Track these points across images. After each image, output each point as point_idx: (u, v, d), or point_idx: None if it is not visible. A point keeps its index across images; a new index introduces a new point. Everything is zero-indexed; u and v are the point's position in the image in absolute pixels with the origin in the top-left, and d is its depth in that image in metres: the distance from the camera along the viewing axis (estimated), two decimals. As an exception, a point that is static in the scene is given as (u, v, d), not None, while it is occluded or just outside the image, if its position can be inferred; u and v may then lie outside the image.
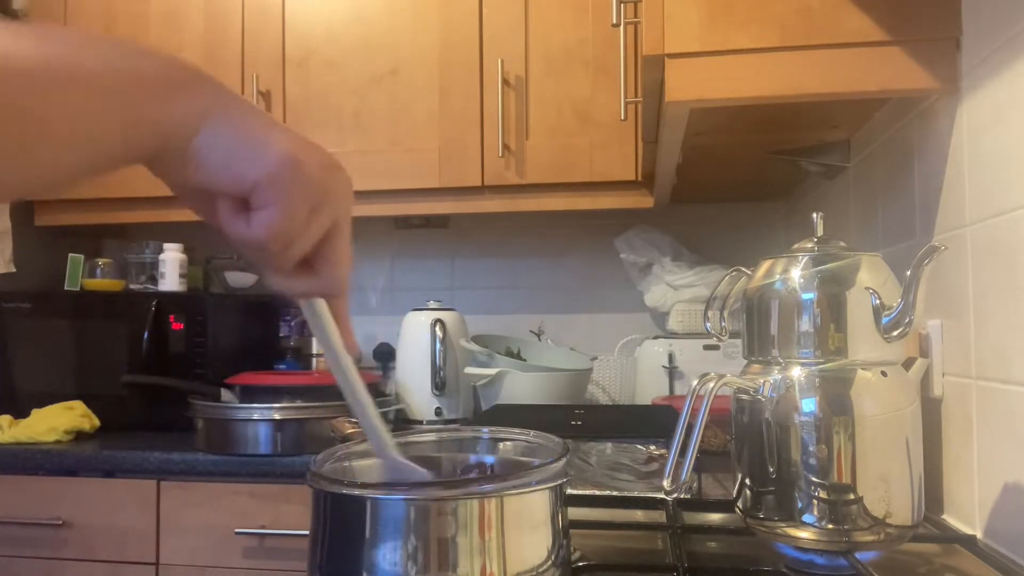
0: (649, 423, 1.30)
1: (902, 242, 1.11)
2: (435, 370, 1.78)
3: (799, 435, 0.71)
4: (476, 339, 1.84)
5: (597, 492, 1.02)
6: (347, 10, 1.87)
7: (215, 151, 0.43)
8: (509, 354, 1.84)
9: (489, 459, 0.74)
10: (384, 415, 1.76)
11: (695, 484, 1.01)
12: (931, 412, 0.96)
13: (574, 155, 1.78)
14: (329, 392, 1.57)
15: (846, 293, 0.72)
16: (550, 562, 0.61)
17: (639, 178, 1.76)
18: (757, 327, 0.76)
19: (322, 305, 0.53)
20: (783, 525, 0.72)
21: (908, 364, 0.75)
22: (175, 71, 0.43)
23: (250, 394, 1.64)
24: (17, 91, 0.37)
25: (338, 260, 0.49)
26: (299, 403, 1.55)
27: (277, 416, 1.53)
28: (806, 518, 0.71)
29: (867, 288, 0.71)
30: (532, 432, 0.73)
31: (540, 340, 2.00)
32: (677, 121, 1.10)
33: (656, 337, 1.85)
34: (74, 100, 0.39)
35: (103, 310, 1.83)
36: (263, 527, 1.49)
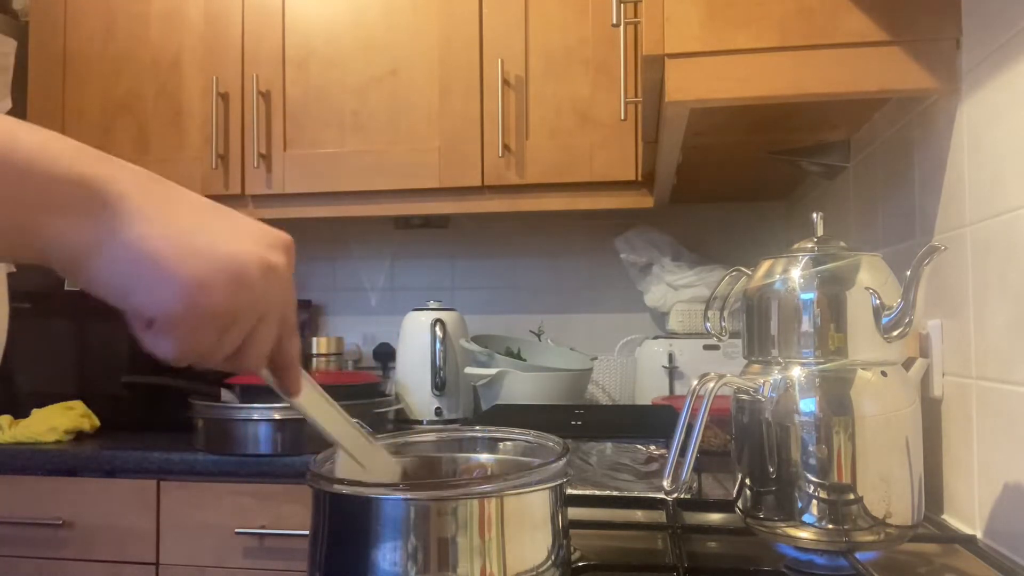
0: (649, 423, 1.30)
1: (902, 242, 1.11)
2: (435, 370, 1.78)
3: (799, 435, 0.71)
4: (476, 339, 1.84)
5: (597, 492, 1.02)
6: (347, 10, 1.87)
7: (113, 280, 0.42)
8: (509, 354, 1.84)
9: (489, 459, 0.74)
10: (384, 415, 1.76)
11: (695, 484, 1.01)
12: (931, 412, 0.96)
13: (574, 155, 1.78)
14: (329, 392, 1.56)
15: (846, 293, 0.72)
16: (550, 562, 0.61)
17: (639, 178, 1.76)
18: (757, 327, 0.76)
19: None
20: (783, 525, 0.72)
21: (908, 364, 0.75)
22: (92, 184, 0.41)
23: (250, 394, 1.64)
24: None
25: (249, 356, 0.48)
26: (299, 403, 1.55)
27: (277, 416, 1.53)
28: (806, 518, 0.71)
29: (867, 288, 0.71)
30: (532, 432, 0.73)
31: (540, 340, 2.00)
32: (677, 121, 1.10)
33: (656, 337, 1.85)
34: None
35: (103, 310, 1.81)
36: (263, 527, 1.49)
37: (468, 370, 1.77)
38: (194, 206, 0.45)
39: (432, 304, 1.88)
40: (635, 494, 1.01)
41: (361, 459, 0.62)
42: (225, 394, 1.66)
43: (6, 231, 0.40)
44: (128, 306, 0.43)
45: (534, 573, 0.59)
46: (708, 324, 1.00)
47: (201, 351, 0.44)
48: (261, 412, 1.53)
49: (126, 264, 0.41)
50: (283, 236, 0.48)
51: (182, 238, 0.42)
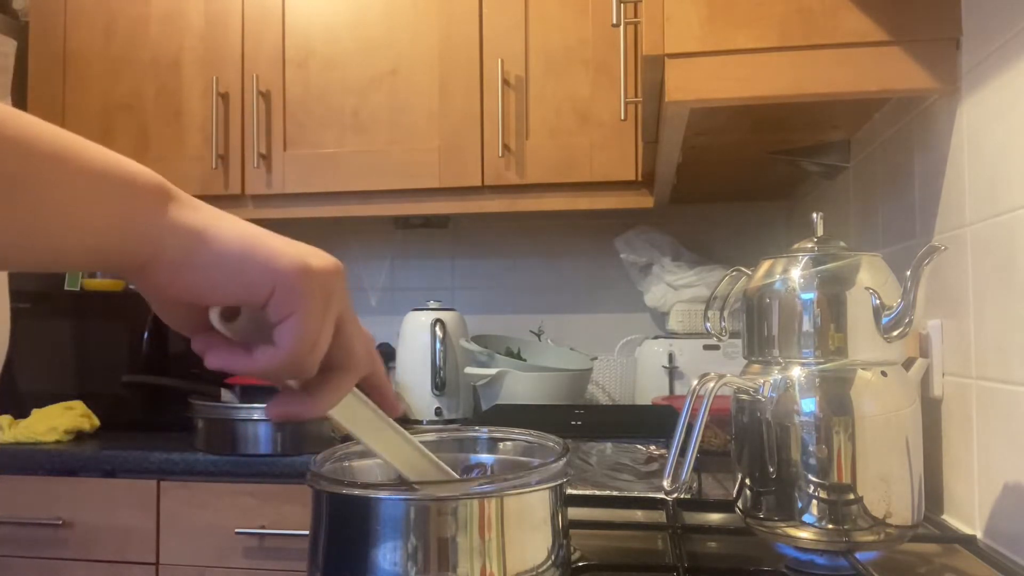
0: (649, 423, 1.30)
1: (902, 242, 1.11)
2: (435, 370, 1.78)
3: (799, 435, 0.71)
4: (476, 339, 1.84)
5: (597, 492, 1.02)
6: (347, 10, 1.87)
7: (224, 263, 0.43)
8: (509, 354, 1.84)
9: (489, 459, 0.74)
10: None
11: (695, 484, 1.01)
12: (931, 412, 0.96)
13: (574, 155, 1.78)
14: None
15: (846, 293, 0.72)
16: (550, 562, 0.61)
17: (639, 178, 1.76)
18: (757, 327, 0.76)
19: (354, 394, 0.53)
20: (783, 525, 0.72)
21: (908, 364, 0.75)
22: (165, 184, 0.44)
23: (250, 394, 1.64)
24: (23, 163, 0.38)
25: (354, 344, 0.49)
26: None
27: (277, 416, 1.52)
28: (806, 518, 0.71)
29: (867, 288, 0.71)
30: (532, 432, 0.73)
31: (540, 340, 2.00)
32: (677, 121, 1.10)
33: (656, 337, 1.85)
34: (77, 184, 0.40)
35: (103, 310, 1.83)
36: (263, 527, 1.49)
37: (468, 370, 1.77)
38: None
39: (432, 304, 1.88)
40: (635, 494, 1.01)
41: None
42: (225, 394, 1.66)
43: (117, 227, 0.41)
44: (239, 286, 0.44)
45: (534, 573, 0.59)
46: (708, 324, 1.00)
47: (316, 329, 0.45)
48: (261, 412, 1.53)
49: (236, 244, 0.44)
50: None
51: (267, 233, 0.46)
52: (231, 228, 0.44)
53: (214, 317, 0.46)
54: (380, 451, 0.57)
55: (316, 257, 0.46)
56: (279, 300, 0.43)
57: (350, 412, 0.54)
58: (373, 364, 0.52)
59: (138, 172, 0.43)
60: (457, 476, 0.63)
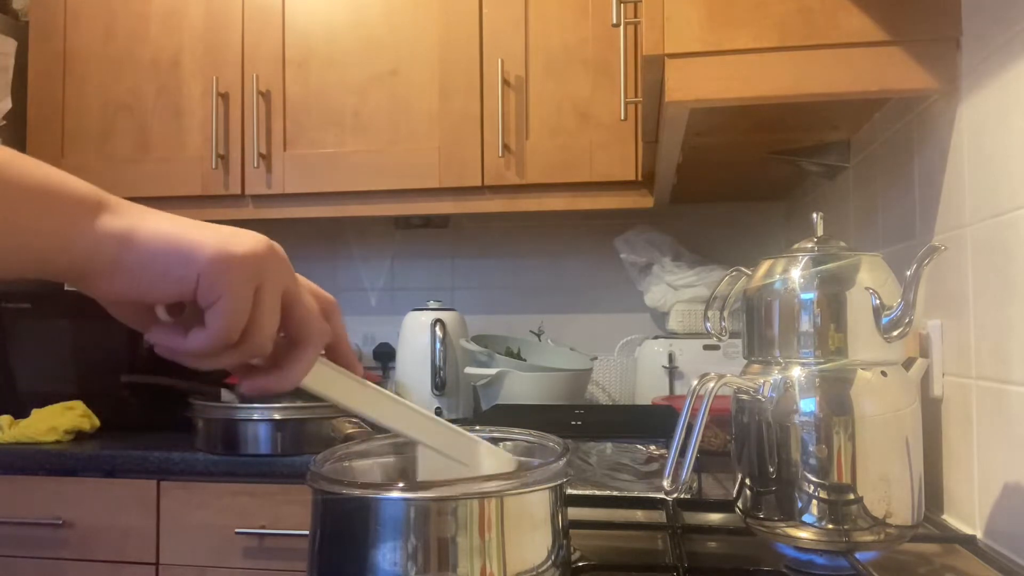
0: (649, 423, 1.30)
1: (902, 242, 1.11)
2: (435, 370, 1.78)
3: (799, 435, 0.71)
4: (476, 339, 1.84)
5: (597, 492, 1.02)
6: (347, 10, 1.87)
7: (151, 263, 0.45)
8: (509, 354, 1.84)
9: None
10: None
11: (695, 484, 1.01)
12: (931, 412, 0.96)
13: (574, 155, 1.78)
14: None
15: (846, 293, 0.72)
16: (550, 562, 0.61)
17: (639, 178, 1.76)
18: (757, 327, 0.76)
19: (323, 363, 0.55)
20: (783, 525, 0.72)
21: (908, 364, 0.75)
22: (99, 194, 0.46)
23: (250, 394, 1.63)
24: None
25: (307, 319, 0.51)
26: (299, 403, 1.55)
27: (277, 416, 1.52)
28: (806, 518, 0.71)
29: (867, 288, 0.71)
30: (532, 432, 0.73)
31: (540, 340, 2.00)
32: (677, 121, 1.10)
33: (656, 337, 1.85)
34: (12, 196, 0.42)
35: (103, 310, 1.82)
36: (263, 527, 1.49)
37: (468, 370, 1.77)
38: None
39: (432, 304, 1.88)
40: (635, 494, 1.01)
41: (452, 454, 0.62)
42: (225, 394, 1.66)
43: (53, 237, 0.44)
44: (167, 283, 0.46)
45: (534, 573, 0.59)
46: (708, 324, 1.00)
47: (245, 307, 0.47)
48: (261, 412, 1.53)
49: (158, 244, 0.46)
50: None
51: (193, 225, 0.47)
52: (155, 228, 0.46)
53: (160, 312, 0.49)
54: (361, 410, 0.59)
55: (239, 244, 0.47)
56: (203, 289, 0.46)
57: (323, 380, 0.56)
58: (334, 332, 0.54)
59: (74, 185, 0.45)
60: (440, 419, 0.63)
